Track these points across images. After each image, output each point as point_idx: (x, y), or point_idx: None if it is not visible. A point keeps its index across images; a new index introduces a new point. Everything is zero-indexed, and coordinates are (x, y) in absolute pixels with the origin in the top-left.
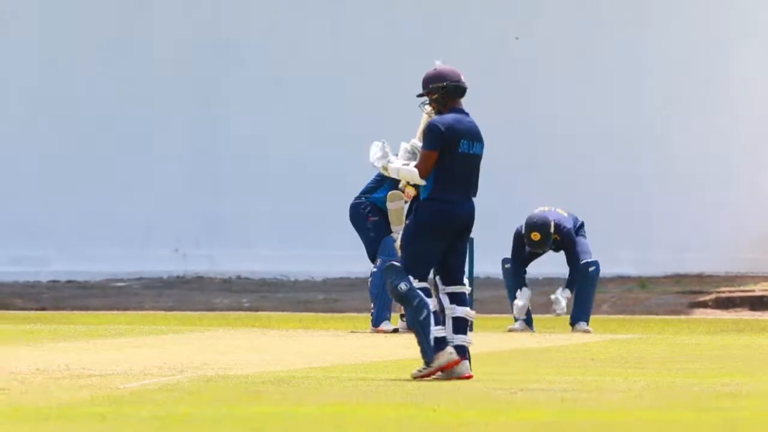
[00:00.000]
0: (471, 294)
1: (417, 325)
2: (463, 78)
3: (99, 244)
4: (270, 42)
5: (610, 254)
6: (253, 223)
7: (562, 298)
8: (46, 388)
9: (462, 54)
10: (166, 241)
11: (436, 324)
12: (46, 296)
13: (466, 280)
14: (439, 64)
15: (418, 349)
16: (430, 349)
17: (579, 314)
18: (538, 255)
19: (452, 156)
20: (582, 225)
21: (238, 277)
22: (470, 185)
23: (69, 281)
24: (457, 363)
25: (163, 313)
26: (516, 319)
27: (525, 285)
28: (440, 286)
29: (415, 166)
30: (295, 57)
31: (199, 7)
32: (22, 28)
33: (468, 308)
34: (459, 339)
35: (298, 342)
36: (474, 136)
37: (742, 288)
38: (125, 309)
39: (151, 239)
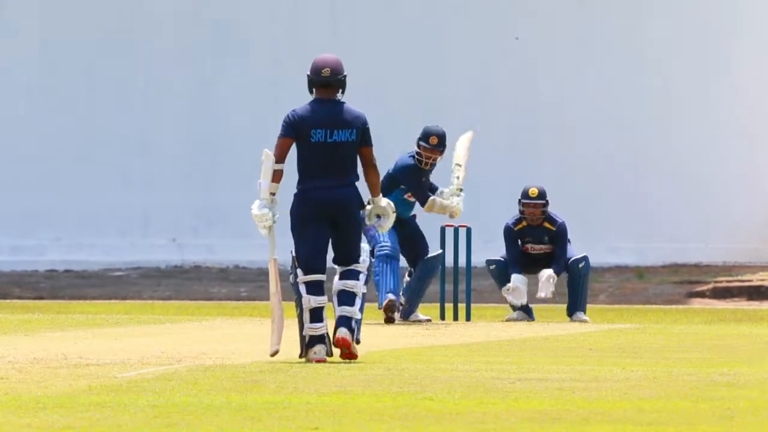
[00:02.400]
0: (468, 283)
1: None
2: (324, 70)
3: (97, 233)
4: (268, 30)
5: (609, 244)
6: (250, 213)
7: (548, 283)
8: (43, 377)
9: (463, 40)
10: (163, 230)
11: (315, 321)
12: (44, 285)
13: (363, 260)
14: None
15: (415, 338)
16: (302, 342)
17: (575, 305)
18: (533, 255)
19: (308, 145)
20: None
21: (236, 267)
22: (333, 170)
23: (67, 270)
24: (321, 361)
25: (161, 302)
26: (513, 308)
27: (519, 272)
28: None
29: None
30: (294, 46)
31: None
32: (22, 21)
33: (353, 281)
34: (339, 310)
35: (296, 331)
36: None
37: (739, 278)
38: (123, 298)
39: (149, 229)
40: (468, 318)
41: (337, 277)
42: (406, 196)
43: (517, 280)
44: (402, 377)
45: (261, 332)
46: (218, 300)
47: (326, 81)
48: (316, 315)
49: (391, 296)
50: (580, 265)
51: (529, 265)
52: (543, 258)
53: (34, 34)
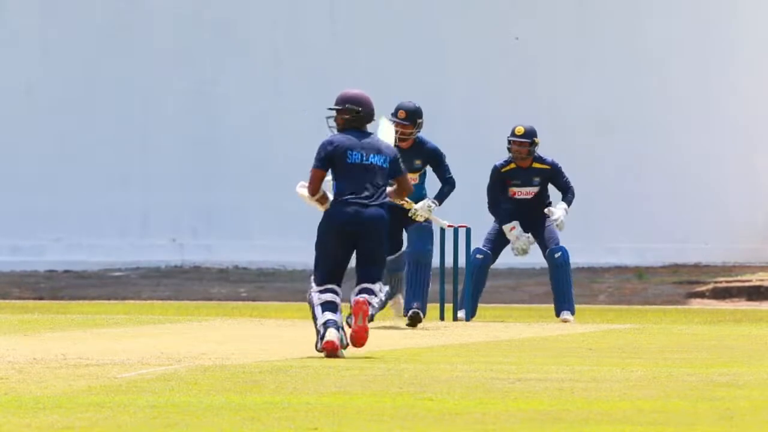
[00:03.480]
0: (468, 284)
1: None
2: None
3: (96, 233)
4: (268, 31)
5: (608, 244)
6: (250, 213)
7: (558, 211)
8: (43, 377)
9: (463, 39)
10: (163, 231)
11: (328, 311)
12: (44, 286)
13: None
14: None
15: (414, 339)
16: (319, 335)
17: (560, 302)
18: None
19: (344, 165)
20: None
21: (236, 267)
22: (364, 192)
23: (66, 271)
24: (332, 348)
25: (160, 302)
26: (516, 251)
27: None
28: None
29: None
30: (294, 47)
31: None
32: (22, 21)
33: (373, 285)
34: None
35: (296, 332)
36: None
37: (739, 278)
38: (123, 299)
39: (149, 229)
40: (468, 318)
41: (355, 290)
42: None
43: (512, 225)
44: (401, 377)
45: (261, 332)
46: (218, 300)
47: (360, 116)
48: (330, 306)
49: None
50: (556, 256)
51: (514, 216)
52: (527, 205)
53: (34, 34)
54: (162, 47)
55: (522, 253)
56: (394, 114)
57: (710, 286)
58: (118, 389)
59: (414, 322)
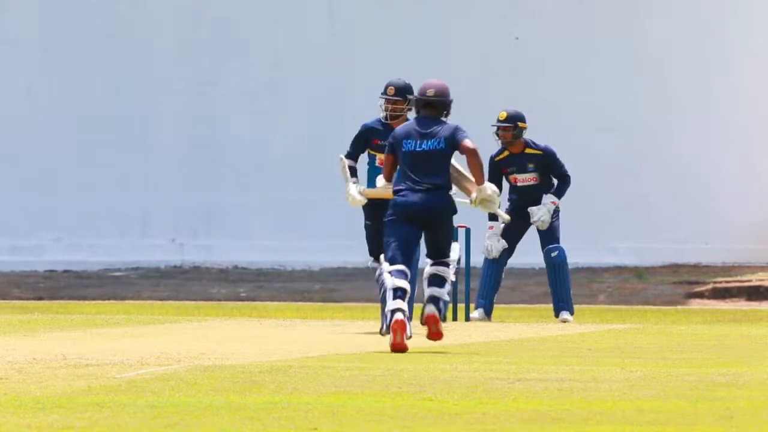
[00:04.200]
0: (468, 284)
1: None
2: (428, 91)
3: (96, 234)
4: (267, 31)
5: (608, 244)
6: (250, 213)
7: (540, 211)
8: (43, 377)
9: (463, 40)
10: (163, 231)
11: (397, 298)
12: (43, 286)
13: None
14: None
15: (414, 338)
16: (384, 319)
17: (559, 301)
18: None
19: (401, 153)
20: (557, 210)
21: (235, 267)
22: (424, 177)
23: (66, 271)
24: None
25: (160, 302)
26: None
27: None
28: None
29: None
30: (293, 47)
31: None
32: (22, 21)
33: (444, 268)
34: (429, 290)
35: (295, 332)
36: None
37: (738, 278)
38: (122, 299)
39: (149, 229)
40: (467, 318)
41: (428, 266)
42: (377, 163)
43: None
44: (401, 377)
45: (260, 332)
46: (217, 300)
47: (428, 101)
48: (400, 293)
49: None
50: (553, 255)
51: (520, 205)
52: (531, 191)
53: (34, 34)
54: (162, 47)
55: (487, 254)
56: (384, 91)
57: (710, 286)
58: (117, 389)
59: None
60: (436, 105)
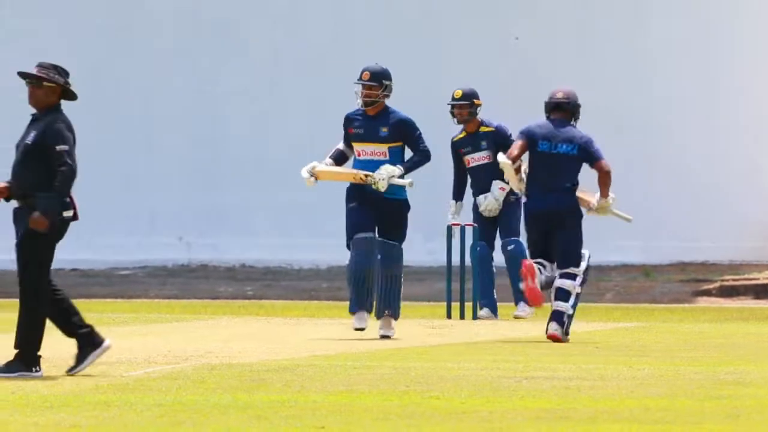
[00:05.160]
0: (475, 282)
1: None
2: (558, 94)
3: (103, 232)
4: (269, 29)
5: (615, 242)
6: (257, 211)
7: (490, 196)
8: (50, 375)
9: (463, 39)
10: (170, 229)
11: (559, 299)
12: None
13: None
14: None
15: (421, 337)
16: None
17: (517, 295)
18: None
19: (535, 154)
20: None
21: (243, 266)
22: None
23: (73, 269)
24: (556, 338)
25: (167, 301)
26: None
27: (460, 200)
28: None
29: None
30: (295, 44)
31: None
32: (22, 21)
33: (570, 281)
34: (554, 304)
35: (302, 330)
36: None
37: (746, 276)
38: (130, 297)
39: (156, 228)
40: (474, 317)
41: (557, 275)
42: (356, 154)
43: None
44: (409, 376)
45: (267, 331)
46: (224, 299)
47: (559, 104)
48: (563, 294)
49: None
50: (509, 248)
51: (477, 190)
52: (484, 171)
53: (35, 34)
54: (164, 47)
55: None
56: (359, 77)
57: (717, 285)
58: (125, 388)
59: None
60: (565, 108)
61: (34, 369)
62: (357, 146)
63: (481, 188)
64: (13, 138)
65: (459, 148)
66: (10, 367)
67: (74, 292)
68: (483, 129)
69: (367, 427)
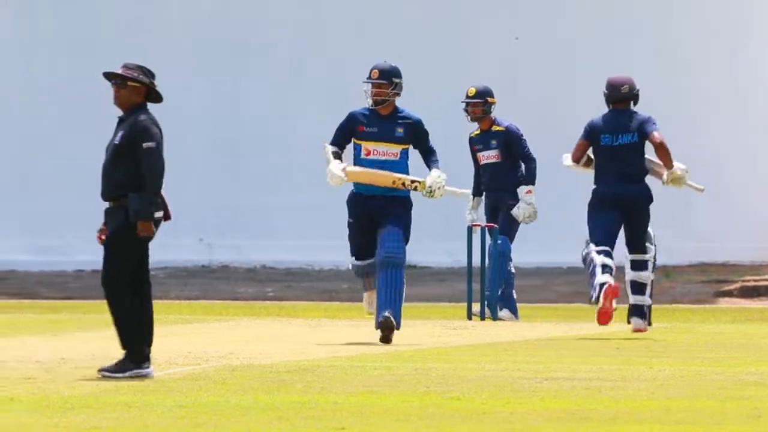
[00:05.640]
0: (494, 283)
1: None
2: (623, 87)
3: None
4: (289, 31)
5: None
6: (278, 212)
7: (519, 209)
8: (71, 377)
9: (472, 41)
10: (191, 230)
11: (636, 293)
12: (72, 286)
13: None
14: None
15: (442, 338)
16: (592, 288)
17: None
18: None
19: (599, 148)
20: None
21: (263, 267)
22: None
23: (95, 271)
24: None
25: (188, 302)
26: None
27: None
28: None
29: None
30: (315, 46)
31: None
32: (51, 21)
33: (643, 272)
34: (632, 299)
35: (323, 331)
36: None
37: (767, 277)
38: None
39: (176, 229)
40: (495, 318)
41: (628, 266)
42: (363, 153)
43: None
44: (429, 377)
45: (288, 332)
46: (245, 300)
47: (623, 96)
48: (608, 269)
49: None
50: (498, 242)
51: (488, 187)
52: (494, 170)
53: (60, 37)
54: (182, 48)
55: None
56: (368, 76)
57: (738, 285)
58: (145, 389)
59: (386, 331)
60: (629, 99)
61: (143, 366)
62: (367, 145)
63: (490, 186)
64: (42, 137)
65: (473, 145)
66: (121, 367)
67: (95, 294)
68: (494, 128)
69: (388, 429)
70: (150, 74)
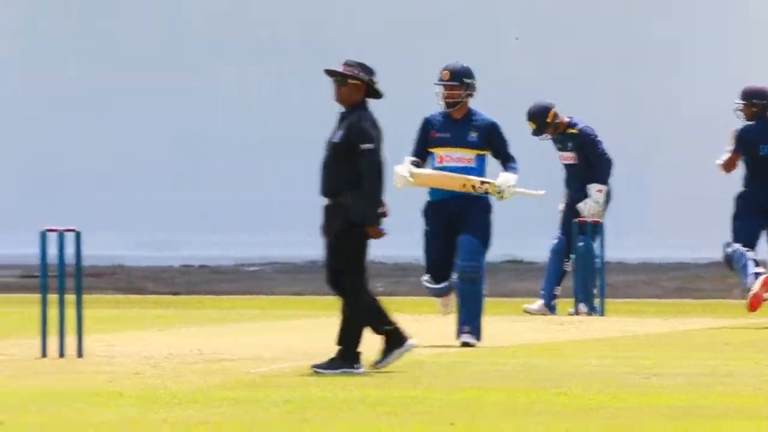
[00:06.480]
0: (602, 278)
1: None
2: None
3: (231, 229)
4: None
5: None
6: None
7: (590, 202)
8: (178, 372)
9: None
10: (299, 225)
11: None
12: (179, 281)
13: None
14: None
15: (549, 333)
16: (745, 277)
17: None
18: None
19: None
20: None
21: (372, 262)
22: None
23: (201, 266)
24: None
25: (295, 297)
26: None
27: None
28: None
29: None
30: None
31: None
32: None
33: None
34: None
35: (431, 326)
36: None
37: None
38: (258, 294)
39: (284, 224)
40: (602, 313)
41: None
42: (437, 161)
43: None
44: (536, 372)
45: None
46: None
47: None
48: (757, 263)
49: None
50: (553, 242)
51: (566, 182)
52: (570, 169)
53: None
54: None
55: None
56: (439, 78)
57: None
58: (252, 384)
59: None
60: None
61: (355, 366)
62: (439, 152)
63: (570, 185)
64: (153, 131)
65: (554, 143)
66: (332, 364)
67: (202, 289)
68: (569, 131)
69: (495, 424)
70: (369, 71)
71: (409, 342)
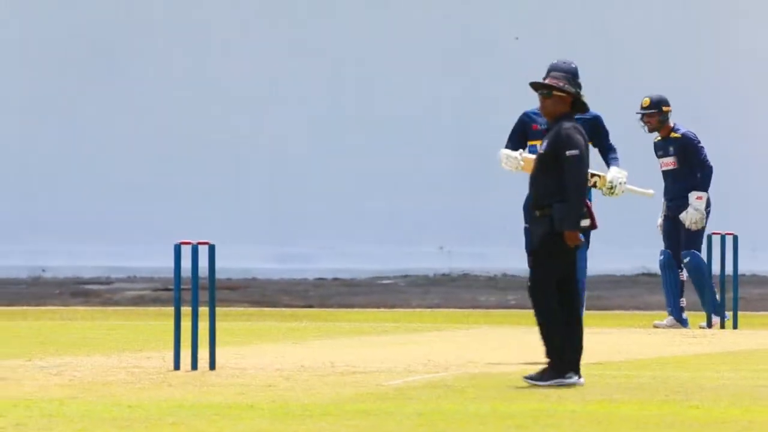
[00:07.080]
0: (735, 291)
1: None
2: None
3: (365, 241)
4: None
5: None
6: (519, 219)
7: (691, 210)
8: (310, 385)
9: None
10: (431, 238)
11: None
12: (313, 294)
13: None
14: None
15: (681, 346)
16: None
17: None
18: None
19: None
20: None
21: (504, 275)
22: None
23: (335, 279)
24: None
25: (428, 310)
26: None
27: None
28: None
29: None
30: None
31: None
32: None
33: None
34: None
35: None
36: None
37: None
38: (391, 306)
39: (417, 237)
40: (735, 326)
41: None
42: None
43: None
44: (667, 385)
45: (528, 340)
46: (486, 308)
47: None
48: None
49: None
50: (685, 260)
51: (664, 189)
52: (669, 175)
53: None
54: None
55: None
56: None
57: None
58: (384, 396)
59: None
60: None
61: (566, 375)
62: (536, 144)
63: (668, 192)
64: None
65: (655, 151)
66: (543, 376)
67: (336, 301)
68: (672, 135)
69: None
70: (576, 84)
71: (573, 378)
